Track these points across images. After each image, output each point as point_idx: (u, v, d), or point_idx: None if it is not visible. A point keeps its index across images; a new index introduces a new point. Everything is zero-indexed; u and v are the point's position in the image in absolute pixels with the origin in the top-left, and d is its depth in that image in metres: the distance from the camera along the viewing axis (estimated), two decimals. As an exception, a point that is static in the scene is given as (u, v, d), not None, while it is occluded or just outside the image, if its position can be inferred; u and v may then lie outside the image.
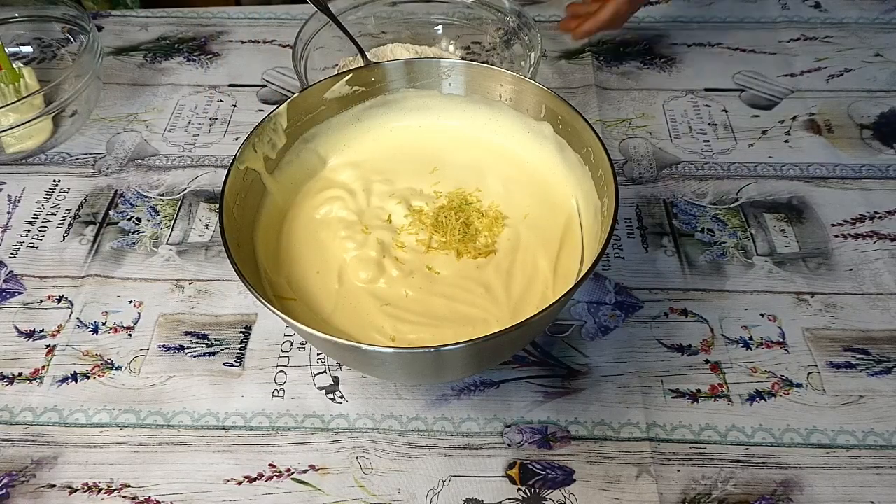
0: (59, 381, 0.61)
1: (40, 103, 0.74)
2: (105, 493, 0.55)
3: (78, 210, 0.74)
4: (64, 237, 0.72)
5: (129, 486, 0.55)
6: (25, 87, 0.78)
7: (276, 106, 0.62)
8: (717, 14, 0.93)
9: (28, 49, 0.87)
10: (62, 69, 0.85)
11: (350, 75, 0.64)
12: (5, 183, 0.73)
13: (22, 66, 0.79)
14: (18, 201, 0.75)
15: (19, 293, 0.67)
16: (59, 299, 0.66)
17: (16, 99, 0.75)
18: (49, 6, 0.85)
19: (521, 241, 0.59)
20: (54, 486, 0.55)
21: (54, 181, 0.77)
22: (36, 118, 0.73)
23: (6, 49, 0.77)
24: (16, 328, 0.65)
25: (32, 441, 0.58)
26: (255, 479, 0.55)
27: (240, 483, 0.55)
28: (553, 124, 0.62)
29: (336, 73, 0.64)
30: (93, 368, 0.62)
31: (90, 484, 0.55)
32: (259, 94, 0.86)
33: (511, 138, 0.65)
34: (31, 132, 0.74)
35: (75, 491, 0.55)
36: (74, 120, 0.78)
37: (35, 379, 0.61)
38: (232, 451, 0.57)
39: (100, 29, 0.94)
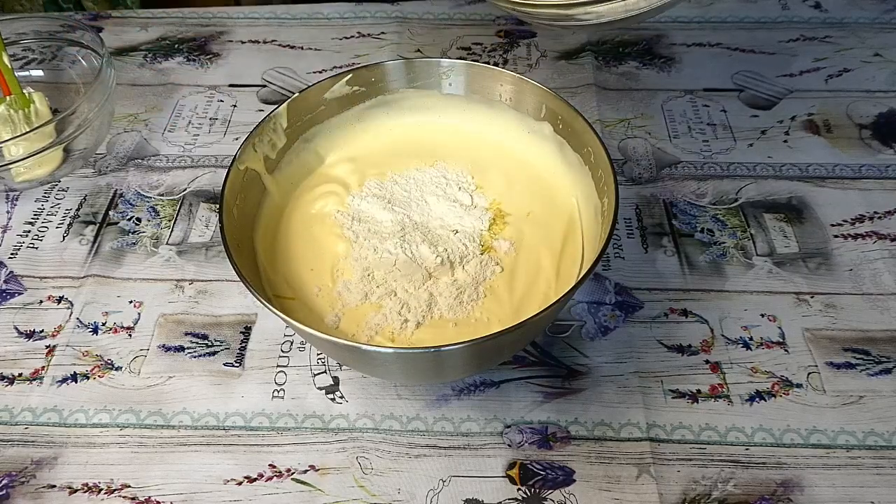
0: (59, 381, 0.61)
1: (51, 132, 0.72)
2: (105, 493, 0.55)
3: (77, 210, 0.74)
4: (64, 237, 0.71)
5: (129, 487, 0.55)
6: (35, 113, 0.76)
7: (276, 106, 0.61)
8: (716, 14, 0.93)
9: (39, 72, 0.85)
10: (74, 93, 0.83)
11: (350, 75, 0.64)
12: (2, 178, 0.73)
13: (32, 91, 0.77)
14: (17, 200, 0.75)
15: (19, 294, 0.67)
16: (60, 300, 0.66)
17: (27, 129, 0.73)
18: (63, 29, 0.83)
19: (524, 240, 0.59)
20: (54, 486, 0.55)
21: (54, 180, 0.77)
22: (47, 148, 0.71)
23: (16, 73, 0.76)
24: (16, 328, 0.65)
25: (32, 441, 0.58)
26: (255, 480, 0.55)
27: (240, 483, 0.55)
28: (553, 124, 0.62)
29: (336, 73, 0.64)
30: (93, 369, 0.62)
31: (90, 484, 0.55)
32: (259, 94, 0.86)
33: (511, 138, 0.65)
34: (42, 161, 0.73)
35: (75, 491, 0.55)
36: (85, 150, 0.77)
37: (35, 379, 0.61)
38: (232, 452, 0.57)
39: (100, 30, 0.94)
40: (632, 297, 0.65)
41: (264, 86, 0.87)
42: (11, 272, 0.69)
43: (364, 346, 0.48)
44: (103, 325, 0.64)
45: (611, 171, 0.54)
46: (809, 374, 0.59)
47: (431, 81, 0.65)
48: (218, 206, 0.61)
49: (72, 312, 0.65)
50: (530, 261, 0.58)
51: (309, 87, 0.62)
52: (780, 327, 0.62)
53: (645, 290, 0.65)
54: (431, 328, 0.54)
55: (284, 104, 0.61)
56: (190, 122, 0.83)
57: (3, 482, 0.55)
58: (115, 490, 0.55)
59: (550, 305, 0.47)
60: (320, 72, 0.87)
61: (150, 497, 0.54)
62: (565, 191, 0.62)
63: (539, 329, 0.59)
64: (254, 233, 0.59)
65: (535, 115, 0.63)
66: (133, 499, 0.54)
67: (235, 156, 0.57)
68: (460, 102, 0.66)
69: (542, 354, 0.61)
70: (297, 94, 0.62)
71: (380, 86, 0.65)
